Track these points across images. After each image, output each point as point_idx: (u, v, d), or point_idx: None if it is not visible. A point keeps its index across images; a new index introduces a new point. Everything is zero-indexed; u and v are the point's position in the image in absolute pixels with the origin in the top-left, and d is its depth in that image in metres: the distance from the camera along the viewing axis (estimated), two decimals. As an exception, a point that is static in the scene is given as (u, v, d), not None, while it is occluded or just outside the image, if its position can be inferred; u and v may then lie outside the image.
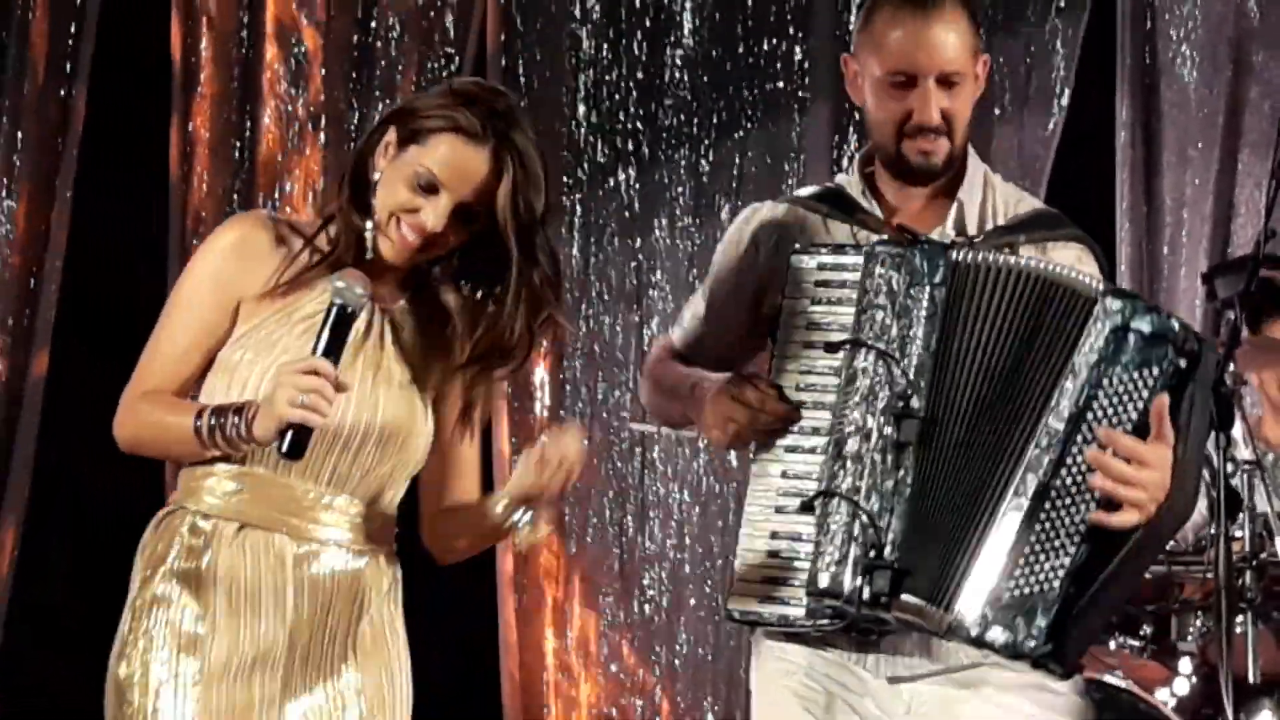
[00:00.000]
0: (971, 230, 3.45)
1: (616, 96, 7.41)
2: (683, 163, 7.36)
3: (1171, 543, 5.09)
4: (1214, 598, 4.36)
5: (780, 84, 7.28)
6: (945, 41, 3.41)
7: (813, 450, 3.22)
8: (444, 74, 7.37)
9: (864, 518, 3.11)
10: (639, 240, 7.34)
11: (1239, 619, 4.80)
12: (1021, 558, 3.05)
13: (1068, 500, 3.06)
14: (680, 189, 7.35)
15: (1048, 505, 3.06)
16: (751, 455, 3.35)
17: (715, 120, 7.34)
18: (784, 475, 3.24)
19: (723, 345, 3.57)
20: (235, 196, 7.14)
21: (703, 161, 7.33)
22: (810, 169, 7.17)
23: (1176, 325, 3.11)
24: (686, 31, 7.39)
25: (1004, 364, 3.15)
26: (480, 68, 7.41)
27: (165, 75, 7.02)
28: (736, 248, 3.60)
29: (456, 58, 7.42)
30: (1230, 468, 4.68)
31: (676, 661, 7.13)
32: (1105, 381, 3.07)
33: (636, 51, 7.41)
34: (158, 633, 3.21)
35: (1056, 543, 3.05)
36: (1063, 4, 6.89)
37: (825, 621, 3.19)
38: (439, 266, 3.41)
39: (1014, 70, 6.82)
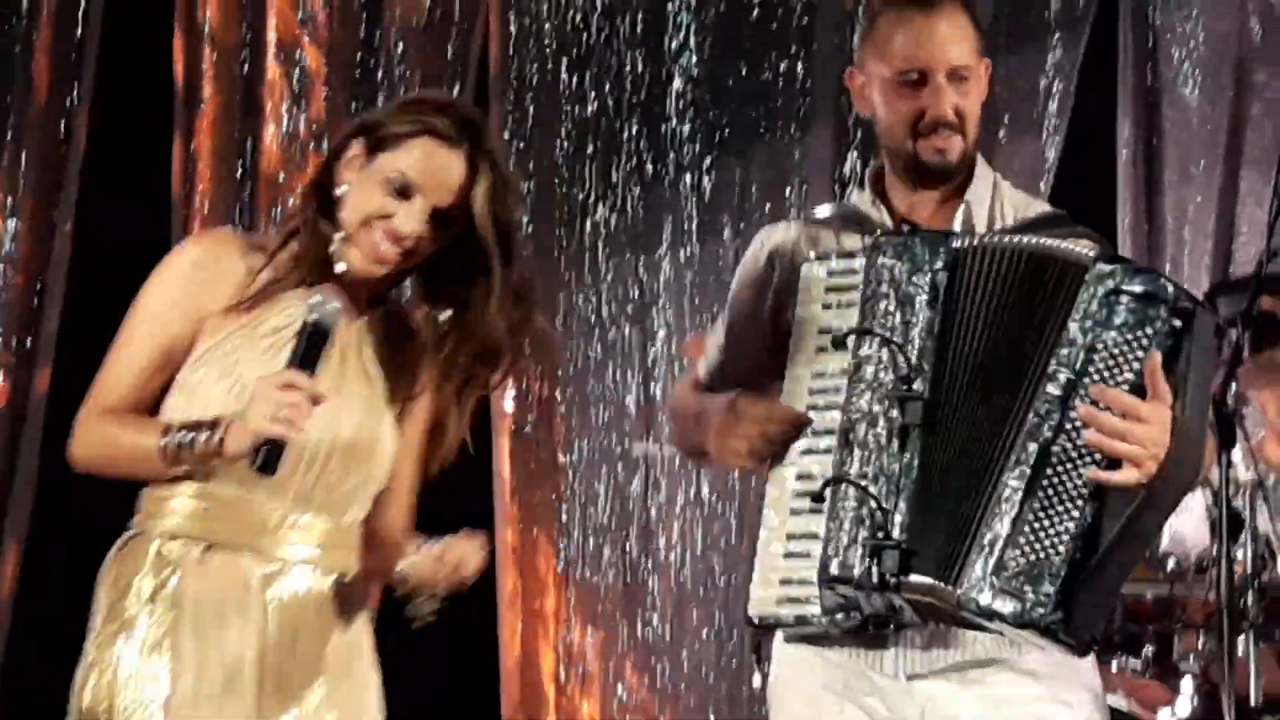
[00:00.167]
0: (980, 230, 3.46)
1: (619, 115, 7.42)
2: (685, 182, 7.36)
3: (1172, 563, 5.10)
4: (1216, 618, 4.36)
5: (781, 103, 7.29)
6: (952, 37, 3.43)
7: (826, 451, 3.22)
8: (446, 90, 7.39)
9: (871, 502, 3.12)
10: (641, 260, 7.34)
11: (1241, 639, 4.79)
12: (1026, 525, 3.04)
13: (1069, 465, 3.05)
14: (683, 208, 7.35)
15: (1049, 471, 3.06)
16: (768, 465, 3.35)
17: (717, 139, 7.34)
18: (798, 477, 3.25)
19: (743, 370, 3.55)
20: (237, 214, 7.14)
21: (705, 181, 7.33)
22: (812, 188, 7.17)
23: (1169, 286, 3.11)
24: (688, 50, 7.39)
25: (1003, 340, 3.17)
26: (483, 87, 7.42)
27: (167, 93, 7.03)
28: (752, 271, 3.60)
29: (459, 77, 7.43)
30: (1232, 488, 4.69)
31: (679, 682, 7.12)
32: (1100, 345, 3.08)
33: (639, 69, 7.42)
34: (125, 660, 3.17)
35: (1060, 508, 3.04)
36: (1064, 23, 6.89)
37: (841, 616, 3.19)
38: (402, 282, 3.40)
39: (1015, 89, 6.82)
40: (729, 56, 7.36)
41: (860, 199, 3.57)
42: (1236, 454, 4.84)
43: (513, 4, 7.44)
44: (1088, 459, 3.05)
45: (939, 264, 3.22)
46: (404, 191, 3.25)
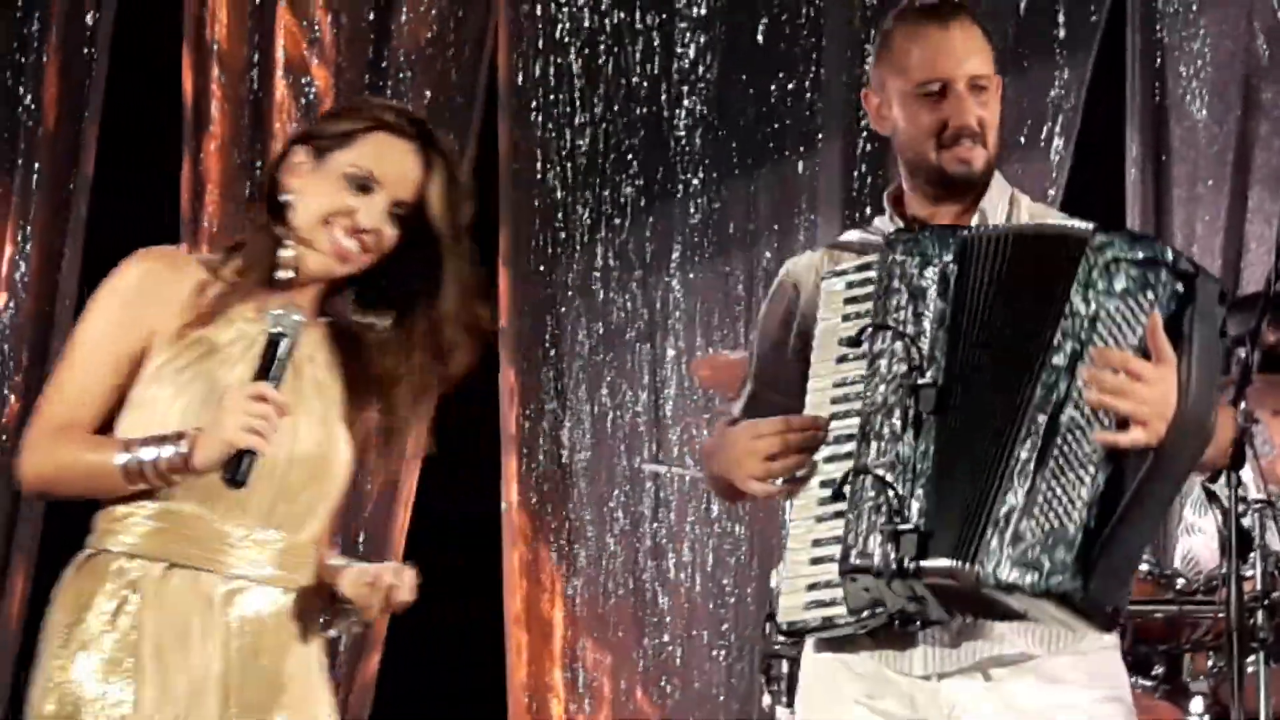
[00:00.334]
0: None
1: (627, 135, 7.43)
2: (694, 202, 7.37)
3: (1182, 581, 5.09)
4: (1226, 637, 4.34)
5: (790, 123, 7.29)
6: (970, 48, 3.44)
7: (848, 456, 3.21)
8: (455, 111, 7.40)
9: (889, 490, 3.12)
10: (652, 279, 7.35)
11: (1251, 659, 4.77)
12: (1039, 495, 3.04)
13: (1078, 432, 3.05)
14: (692, 228, 7.36)
15: (1059, 440, 3.05)
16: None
17: (726, 159, 7.35)
18: (822, 484, 3.24)
19: (775, 404, 3.52)
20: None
21: (714, 200, 7.34)
22: (823, 207, 7.17)
23: (1169, 251, 3.12)
24: (697, 71, 7.40)
25: (1011, 321, 3.17)
26: (491, 108, 7.43)
27: (176, 114, 7.04)
28: (779, 301, 3.59)
29: (468, 97, 7.44)
30: (1241, 507, 4.68)
31: (689, 702, 7.12)
32: (1103, 313, 3.08)
33: (647, 89, 7.43)
34: (88, 683, 3.14)
35: (1072, 476, 3.04)
36: (1071, 41, 6.90)
37: (867, 614, 3.18)
38: (342, 290, 3.36)
39: (1022, 107, 6.82)
40: (737, 77, 7.38)
41: (881, 221, 3.57)
42: (1246, 473, 4.83)
43: (521, 25, 7.46)
44: (1096, 425, 3.05)
45: (948, 256, 3.23)
46: (365, 186, 3.24)
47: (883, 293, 3.24)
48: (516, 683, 7.09)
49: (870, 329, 3.23)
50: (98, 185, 6.84)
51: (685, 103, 7.40)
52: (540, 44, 7.49)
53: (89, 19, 6.98)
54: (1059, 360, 3.08)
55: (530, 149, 7.46)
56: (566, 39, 7.47)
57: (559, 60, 7.48)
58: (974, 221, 3.49)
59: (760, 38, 7.33)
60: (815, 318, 3.38)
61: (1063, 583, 3.00)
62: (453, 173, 3.30)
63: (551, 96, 7.47)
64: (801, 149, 7.29)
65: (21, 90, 6.86)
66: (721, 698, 7.10)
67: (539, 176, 7.46)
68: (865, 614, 3.18)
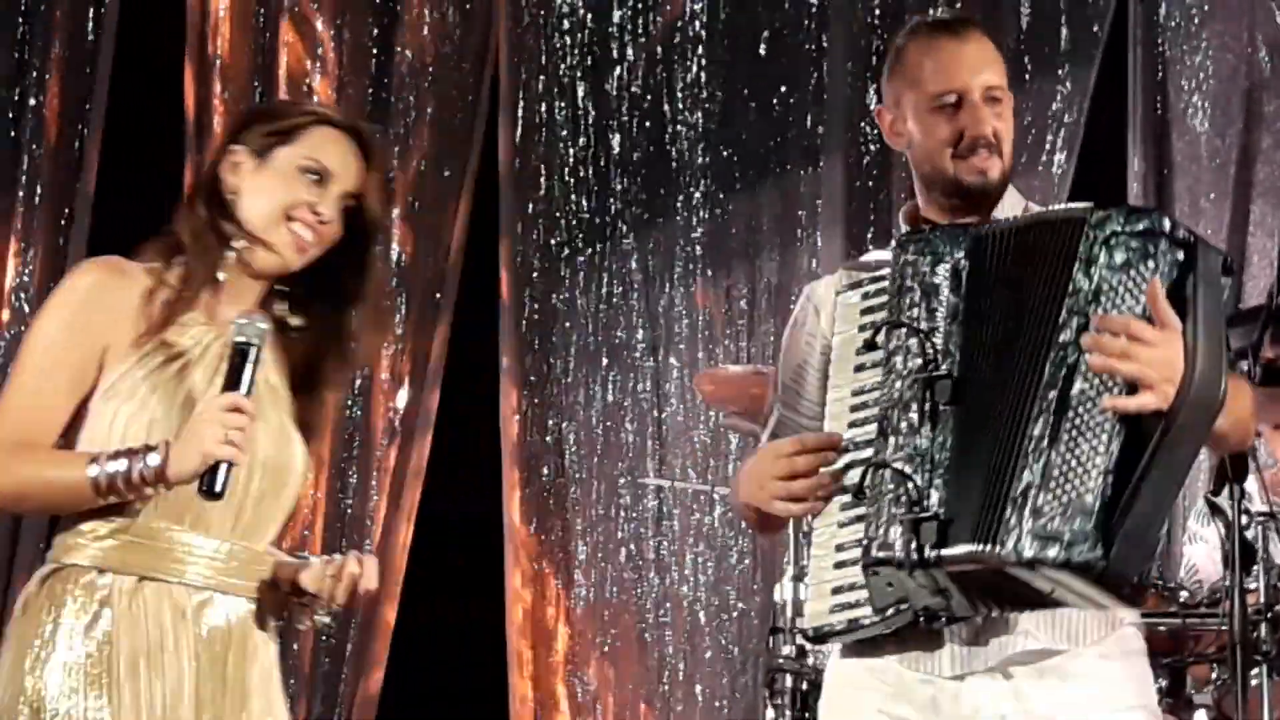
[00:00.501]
0: None
1: (630, 149, 7.43)
2: (696, 216, 7.37)
3: (1185, 594, 5.09)
4: (1229, 650, 4.34)
5: (792, 136, 7.30)
6: (984, 59, 3.45)
7: (867, 461, 3.21)
8: (458, 126, 7.41)
9: (907, 482, 3.13)
10: (654, 295, 7.35)
11: (1254, 671, 4.77)
12: (1055, 469, 3.04)
13: (1088, 404, 3.05)
14: (694, 243, 7.36)
15: (1070, 413, 3.05)
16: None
17: (729, 173, 7.35)
18: (842, 490, 3.24)
19: (803, 424, 3.51)
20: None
21: (716, 214, 7.34)
22: (825, 221, 7.18)
23: (1167, 220, 3.13)
24: (699, 85, 7.41)
25: (1019, 308, 3.18)
26: (493, 122, 7.44)
27: (179, 127, 7.05)
28: (801, 325, 3.59)
29: (470, 112, 7.45)
30: (1244, 520, 4.68)
31: (692, 714, 7.11)
32: (1104, 286, 3.09)
33: (649, 103, 7.43)
34: (64, 700, 3.11)
35: (1085, 446, 3.04)
36: (1074, 55, 6.90)
37: (892, 612, 3.18)
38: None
39: (1025, 121, 6.83)
40: (739, 91, 7.38)
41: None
42: (1250, 485, 4.83)
43: (523, 39, 7.46)
44: (1106, 394, 3.05)
45: (960, 253, 3.25)
46: (320, 178, 3.25)
47: (896, 292, 3.26)
48: (518, 696, 7.09)
49: (885, 327, 3.24)
50: (100, 200, 6.84)
51: (687, 116, 7.40)
52: (542, 59, 7.49)
53: (91, 34, 6.98)
54: (1065, 337, 3.09)
55: (531, 163, 7.47)
56: (567, 53, 7.48)
57: (560, 74, 7.48)
58: None
59: (762, 52, 7.34)
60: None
61: (1084, 552, 3.00)
62: (385, 170, 3.31)
63: (553, 111, 7.47)
64: (803, 163, 7.29)
65: (23, 105, 6.86)
66: (725, 711, 7.09)
67: (540, 191, 7.47)
68: (890, 612, 3.18)
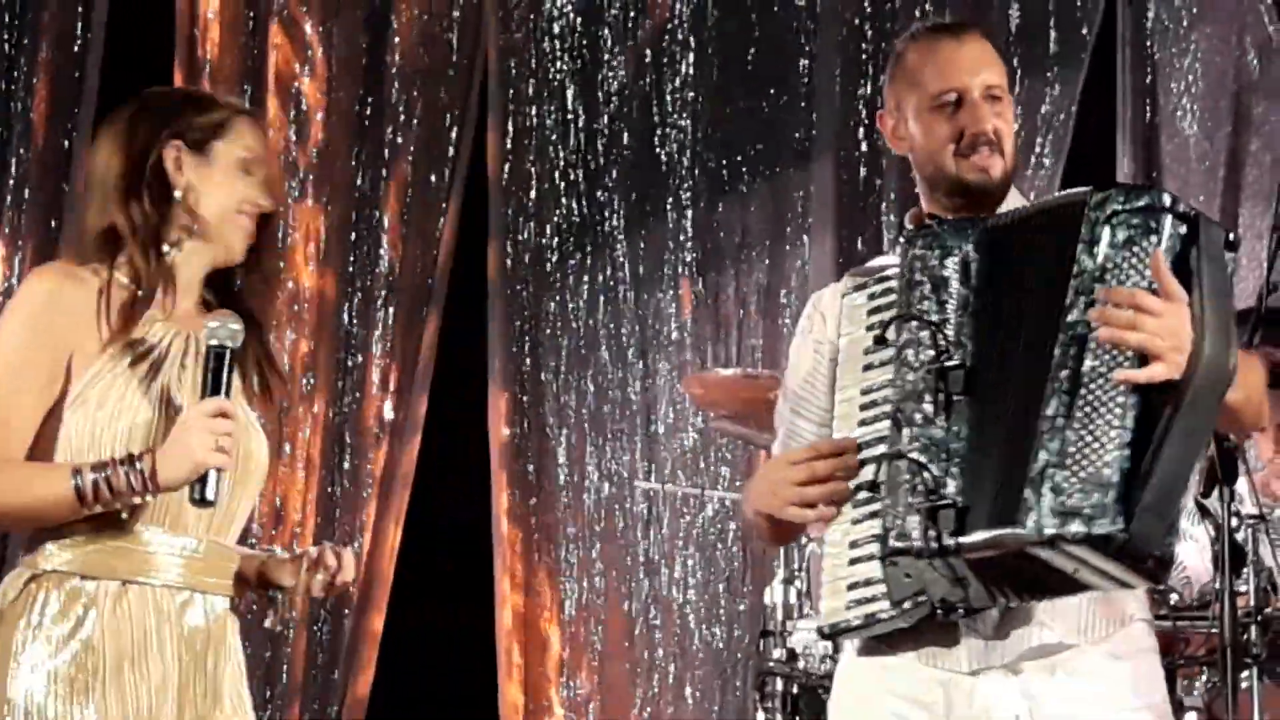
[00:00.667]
0: None
1: (620, 153, 7.42)
2: (686, 218, 7.36)
3: (1175, 597, 5.09)
4: (1219, 653, 4.33)
5: (783, 138, 7.29)
6: (983, 59, 3.46)
7: (880, 458, 3.21)
8: (447, 129, 7.40)
9: (924, 471, 3.13)
10: (644, 298, 7.33)
11: (1244, 674, 4.77)
12: (1071, 446, 3.04)
13: (1100, 380, 3.05)
14: (685, 247, 7.35)
15: (1082, 390, 3.05)
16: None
17: (719, 175, 7.34)
18: (856, 489, 3.24)
19: (813, 432, 3.51)
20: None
21: (706, 217, 7.33)
22: (816, 224, 7.17)
23: (1167, 196, 3.13)
24: (689, 87, 7.40)
25: (1028, 295, 3.19)
26: (481, 125, 7.43)
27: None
28: (807, 333, 3.58)
29: (460, 113, 7.44)
30: (1234, 522, 4.68)
31: (683, 717, 7.10)
32: (1109, 264, 3.10)
33: (639, 106, 7.42)
34: (47, 703, 3.11)
35: (1100, 422, 3.03)
36: (1063, 58, 6.90)
37: (910, 605, 3.18)
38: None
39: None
40: (729, 94, 7.37)
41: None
42: (1240, 486, 4.83)
43: (513, 43, 7.46)
44: (1118, 369, 3.04)
45: (968, 245, 3.26)
46: (251, 170, 3.28)
47: (906, 286, 3.26)
48: (508, 701, 7.08)
49: (895, 321, 3.24)
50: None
51: (676, 119, 7.39)
52: (531, 62, 7.48)
53: (79, 36, 6.96)
54: (1073, 317, 3.09)
55: (521, 166, 7.45)
56: (557, 56, 7.47)
57: (550, 78, 7.47)
58: None
59: (751, 54, 7.33)
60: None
61: (1105, 525, 2.99)
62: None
63: (542, 114, 7.46)
64: (794, 165, 7.28)
65: (11, 109, 6.84)
66: (716, 714, 7.08)
67: (530, 194, 7.45)
68: (908, 604, 3.18)
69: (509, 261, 7.42)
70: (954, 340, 3.19)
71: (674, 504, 7.19)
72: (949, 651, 3.30)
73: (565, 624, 7.20)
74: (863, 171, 7.12)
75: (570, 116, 7.47)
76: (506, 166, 7.43)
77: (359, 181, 7.36)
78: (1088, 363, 3.06)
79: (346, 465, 7.23)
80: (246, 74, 7.28)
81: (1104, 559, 3.05)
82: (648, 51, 7.44)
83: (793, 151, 7.28)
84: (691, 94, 7.39)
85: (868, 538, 3.20)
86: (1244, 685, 4.77)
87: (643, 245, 7.38)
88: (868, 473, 3.22)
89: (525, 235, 7.43)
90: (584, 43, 7.48)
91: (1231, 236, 3.17)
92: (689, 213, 7.34)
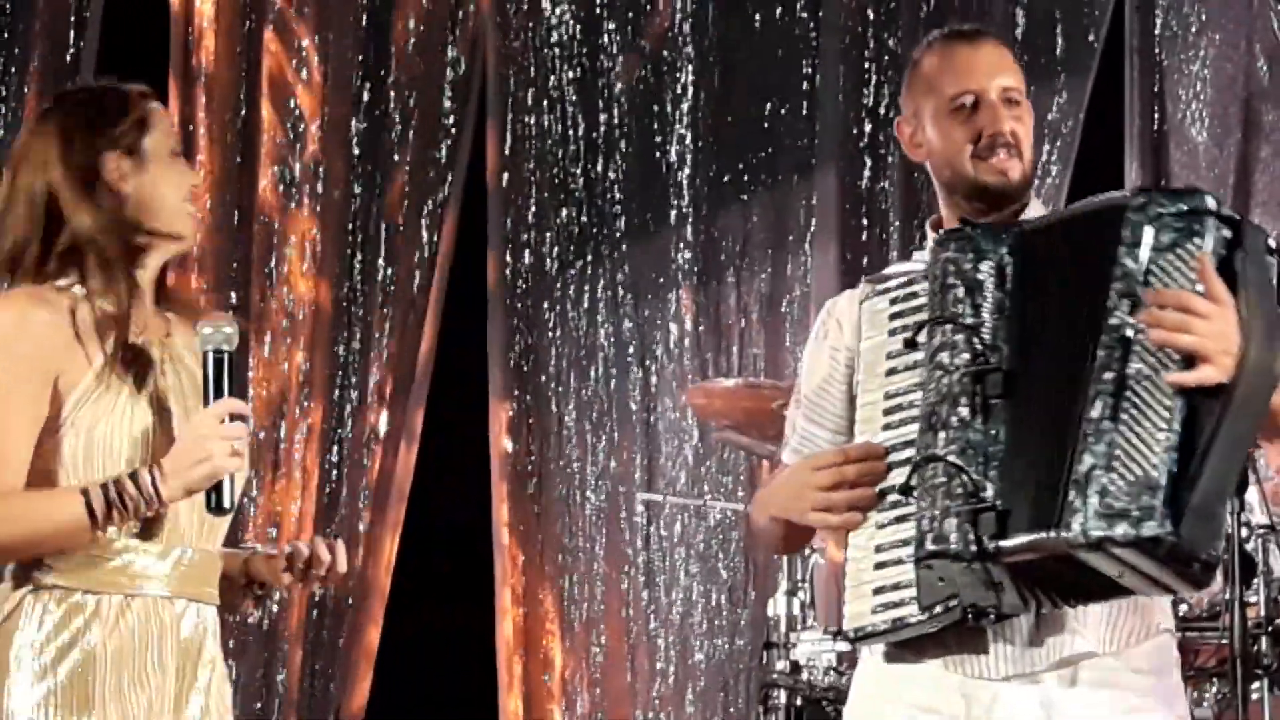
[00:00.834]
0: None
1: (620, 162, 7.40)
2: (687, 227, 7.34)
3: (1185, 607, 5.04)
4: (1229, 664, 4.32)
5: (785, 147, 7.27)
6: (1000, 63, 3.45)
7: (905, 463, 3.19)
8: (443, 135, 7.39)
9: (961, 475, 3.10)
10: (644, 307, 7.32)
11: (1254, 685, 4.75)
12: (1118, 449, 3.02)
13: (1146, 382, 3.03)
14: (686, 254, 7.33)
15: (1128, 393, 3.03)
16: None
17: (721, 184, 7.33)
18: (881, 494, 3.22)
19: (828, 440, 3.49)
20: (234, 260, 7.14)
21: (709, 226, 7.32)
22: (818, 233, 7.15)
23: (1210, 199, 3.12)
24: (690, 95, 7.39)
25: (1068, 298, 3.17)
26: (480, 133, 7.41)
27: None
28: (823, 339, 3.56)
29: (456, 123, 7.42)
30: (1244, 532, 4.65)
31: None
32: (1153, 266, 3.08)
33: (640, 115, 7.41)
34: (45, 718, 3.10)
35: (1148, 424, 3.02)
36: (1070, 65, 6.89)
37: (940, 609, 3.13)
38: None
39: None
40: (731, 102, 7.36)
41: (921, 254, 3.54)
42: (1251, 496, 4.80)
43: (511, 50, 7.44)
44: (1164, 370, 3.03)
45: (1003, 249, 3.23)
46: (176, 153, 3.29)
47: (939, 289, 3.22)
48: (508, 711, 7.06)
49: (928, 325, 3.21)
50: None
51: (677, 128, 7.38)
52: (530, 71, 7.47)
53: (72, 45, 6.95)
54: (1116, 320, 3.07)
55: (521, 175, 7.44)
56: (557, 63, 7.46)
57: (549, 86, 7.46)
58: None
59: (754, 62, 7.31)
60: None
61: (1154, 527, 2.96)
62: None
63: (541, 123, 7.45)
64: (796, 174, 7.27)
65: (3, 116, 6.83)
66: (717, 722, 7.07)
67: (529, 203, 7.43)
68: (938, 609, 3.14)
69: (508, 271, 7.40)
70: (990, 343, 3.16)
71: (674, 515, 7.16)
72: (978, 658, 3.26)
73: (566, 635, 7.18)
74: (865, 180, 7.12)
75: (570, 125, 7.45)
76: (505, 175, 7.42)
77: (356, 190, 7.35)
78: (1134, 365, 3.03)
79: (344, 474, 7.22)
80: (241, 82, 7.26)
81: (1151, 562, 3.02)
82: (648, 59, 7.42)
83: (794, 160, 7.27)
84: (692, 102, 7.38)
85: (895, 542, 3.17)
86: (1254, 696, 4.76)
87: (643, 254, 7.37)
88: (897, 476, 3.18)
89: (525, 244, 7.41)
90: (583, 51, 7.47)
91: (1273, 242, 3.15)
92: (690, 221, 7.33)
